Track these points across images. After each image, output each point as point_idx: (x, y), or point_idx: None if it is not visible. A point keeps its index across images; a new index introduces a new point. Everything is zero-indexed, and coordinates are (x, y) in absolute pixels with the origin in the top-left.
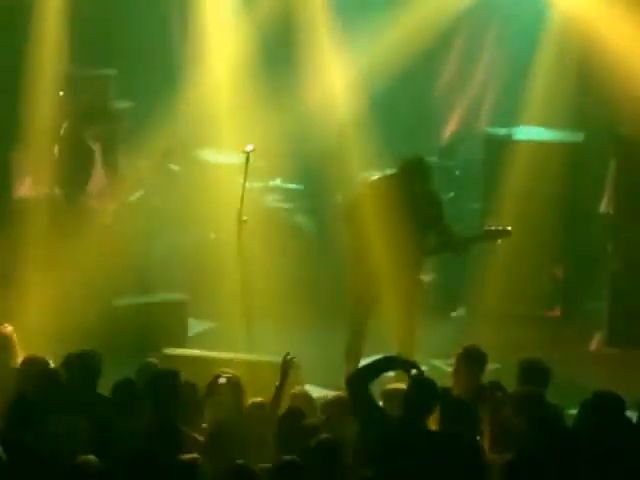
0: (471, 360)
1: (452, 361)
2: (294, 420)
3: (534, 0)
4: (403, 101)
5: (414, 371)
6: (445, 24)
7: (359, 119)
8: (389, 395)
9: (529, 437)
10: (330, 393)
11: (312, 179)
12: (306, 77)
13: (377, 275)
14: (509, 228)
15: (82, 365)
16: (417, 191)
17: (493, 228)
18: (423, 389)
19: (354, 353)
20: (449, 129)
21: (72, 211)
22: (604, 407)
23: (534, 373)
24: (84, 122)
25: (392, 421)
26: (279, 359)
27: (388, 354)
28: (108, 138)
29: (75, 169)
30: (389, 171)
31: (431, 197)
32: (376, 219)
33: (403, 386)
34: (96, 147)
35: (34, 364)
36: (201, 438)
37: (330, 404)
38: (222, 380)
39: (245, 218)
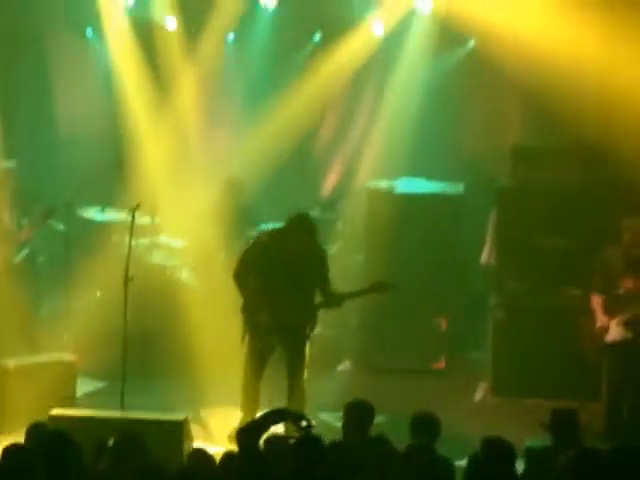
0: (359, 413)
1: (339, 414)
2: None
3: (413, 51)
4: (286, 157)
5: (304, 423)
6: (325, 84)
7: (244, 176)
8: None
9: None
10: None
11: (197, 235)
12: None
13: (270, 328)
14: (395, 283)
15: None
16: (302, 247)
17: (379, 282)
18: (310, 449)
19: (250, 403)
20: (330, 183)
21: None
22: (493, 455)
23: (425, 426)
24: None
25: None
26: (169, 416)
27: (278, 407)
28: None
29: None
30: (275, 227)
31: (317, 254)
32: (264, 275)
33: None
34: None
35: None
36: None
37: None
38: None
39: (131, 275)
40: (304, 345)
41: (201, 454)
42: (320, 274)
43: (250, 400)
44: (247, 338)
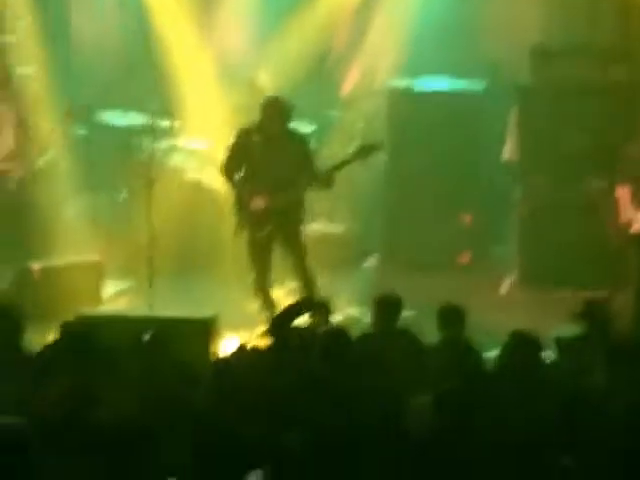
0: (387, 306)
1: (366, 310)
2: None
3: None
4: (306, 58)
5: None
6: None
7: (266, 78)
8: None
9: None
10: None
11: (220, 137)
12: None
13: (263, 215)
14: (378, 141)
15: (3, 318)
16: (280, 131)
17: (363, 146)
18: (337, 339)
19: (262, 291)
20: (349, 82)
21: None
22: (521, 346)
23: (452, 317)
24: None
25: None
26: (197, 315)
27: (302, 297)
28: (18, 99)
29: None
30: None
31: (297, 137)
32: (250, 164)
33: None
34: (4, 108)
35: None
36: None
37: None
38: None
39: (154, 177)
40: (299, 230)
41: (244, 350)
42: (304, 156)
43: (267, 296)
44: (244, 233)
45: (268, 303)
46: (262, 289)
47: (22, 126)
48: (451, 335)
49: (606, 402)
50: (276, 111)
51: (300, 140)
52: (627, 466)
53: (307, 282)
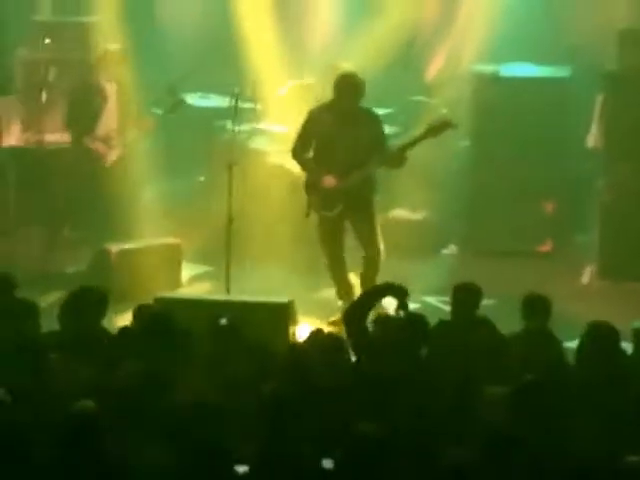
0: (467, 295)
1: (445, 298)
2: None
3: None
4: (391, 43)
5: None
6: None
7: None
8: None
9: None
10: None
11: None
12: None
13: (333, 195)
14: (449, 118)
15: (88, 302)
16: (353, 108)
17: (434, 124)
18: (415, 326)
19: (336, 274)
20: (434, 68)
21: (74, 153)
22: (600, 337)
23: (538, 307)
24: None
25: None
26: (274, 299)
27: (380, 284)
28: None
29: (83, 112)
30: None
31: (370, 114)
32: (321, 144)
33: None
34: (110, 88)
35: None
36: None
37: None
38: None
39: (235, 159)
40: (371, 210)
41: (321, 334)
42: (376, 134)
43: (342, 280)
44: (316, 217)
45: (343, 286)
46: (336, 271)
47: (127, 106)
48: (535, 325)
49: None
50: (349, 87)
51: (372, 118)
52: None
53: (374, 265)
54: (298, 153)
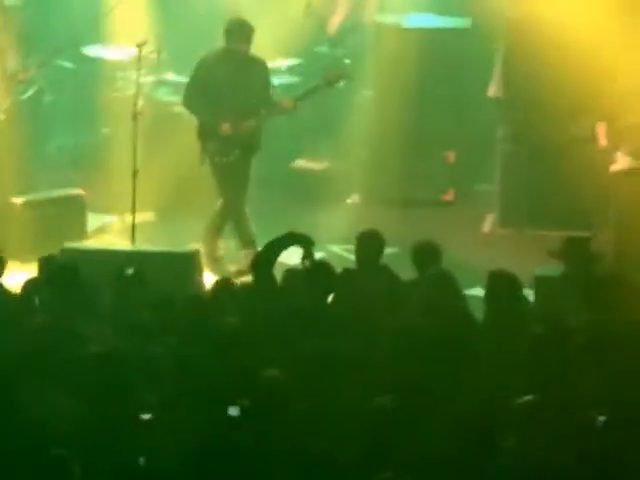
0: (370, 243)
1: (349, 246)
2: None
3: None
4: None
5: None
6: None
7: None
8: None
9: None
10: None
11: None
12: None
13: (228, 142)
14: (344, 70)
15: None
16: (245, 55)
17: (329, 75)
18: (322, 274)
19: (240, 227)
20: (336, 19)
21: None
22: (501, 285)
23: (427, 255)
24: None
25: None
26: (179, 249)
27: (285, 233)
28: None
29: None
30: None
31: (260, 61)
32: (214, 91)
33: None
34: None
35: None
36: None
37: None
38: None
39: (140, 110)
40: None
41: (226, 283)
42: (265, 81)
43: (243, 228)
44: (210, 164)
45: (245, 234)
46: (237, 218)
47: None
48: (428, 272)
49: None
50: (239, 33)
51: (262, 66)
52: None
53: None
54: (190, 101)
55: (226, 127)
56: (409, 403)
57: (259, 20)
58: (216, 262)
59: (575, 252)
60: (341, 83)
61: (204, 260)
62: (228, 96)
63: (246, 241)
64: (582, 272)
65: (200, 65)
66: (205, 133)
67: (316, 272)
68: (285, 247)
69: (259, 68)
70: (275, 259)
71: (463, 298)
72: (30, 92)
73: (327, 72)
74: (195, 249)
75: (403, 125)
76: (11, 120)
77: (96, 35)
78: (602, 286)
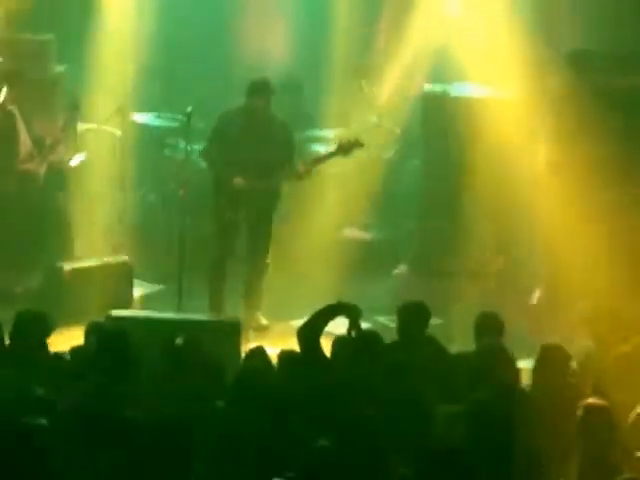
0: (414, 314)
1: (395, 317)
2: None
3: None
4: (343, 62)
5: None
6: None
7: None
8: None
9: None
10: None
11: None
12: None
13: (238, 196)
14: (357, 138)
15: (33, 324)
16: (266, 114)
17: (343, 142)
18: (372, 339)
19: (217, 274)
20: (386, 88)
21: (8, 178)
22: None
23: (490, 325)
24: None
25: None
26: (226, 318)
27: (331, 303)
28: (25, 101)
29: (4, 136)
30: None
31: (282, 124)
32: (231, 146)
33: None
34: (15, 110)
35: None
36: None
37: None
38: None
39: (187, 177)
40: (269, 223)
41: (260, 352)
42: (285, 142)
43: (217, 289)
44: (216, 214)
45: (216, 297)
46: (215, 275)
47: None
48: (487, 343)
49: None
50: (260, 91)
51: (284, 127)
52: None
53: (259, 272)
54: (207, 154)
55: (239, 181)
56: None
57: (309, 89)
58: (257, 329)
59: None
60: (354, 151)
61: (246, 326)
62: (243, 152)
63: (215, 302)
64: None
65: (221, 119)
66: (218, 187)
67: (365, 342)
68: (332, 317)
69: (279, 129)
70: (322, 328)
71: (517, 370)
72: (78, 158)
73: (341, 140)
74: (238, 317)
75: (450, 196)
76: (55, 185)
77: (145, 102)
78: None
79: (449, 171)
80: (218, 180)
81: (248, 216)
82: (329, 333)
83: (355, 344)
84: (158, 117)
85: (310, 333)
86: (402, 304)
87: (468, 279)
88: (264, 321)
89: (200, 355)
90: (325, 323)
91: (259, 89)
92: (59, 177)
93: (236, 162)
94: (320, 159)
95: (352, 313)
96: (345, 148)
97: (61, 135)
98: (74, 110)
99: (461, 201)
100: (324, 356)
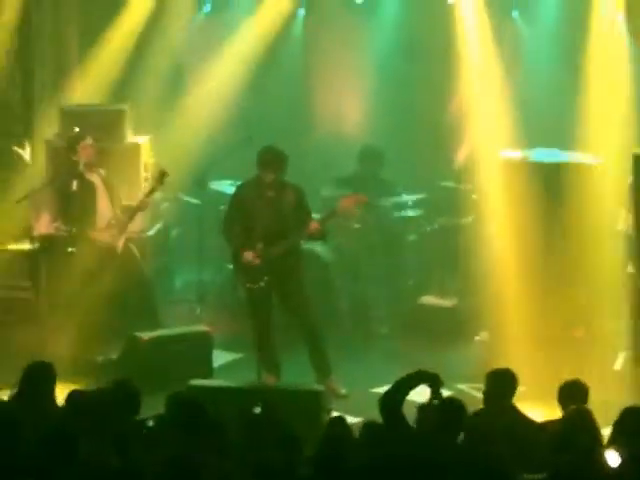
0: (501, 382)
1: (478, 385)
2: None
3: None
4: (419, 127)
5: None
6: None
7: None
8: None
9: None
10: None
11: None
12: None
13: (258, 268)
14: (363, 196)
15: (120, 394)
16: (276, 181)
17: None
18: (454, 406)
19: (264, 348)
20: (463, 153)
21: (85, 247)
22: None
23: (575, 393)
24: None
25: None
26: (307, 387)
27: (412, 371)
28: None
29: (82, 205)
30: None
31: (293, 188)
32: (246, 219)
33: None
34: (96, 180)
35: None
36: None
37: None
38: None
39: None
40: (299, 280)
41: (341, 422)
42: (298, 206)
43: (268, 357)
44: (243, 290)
45: (267, 363)
46: (263, 347)
47: (114, 195)
48: (572, 410)
49: None
50: (269, 161)
51: (294, 191)
52: None
53: (308, 334)
54: (226, 230)
55: (248, 255)
56: None
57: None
58: (336, 397)
59: None
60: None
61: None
62: (256, 223)
63: (269, 368)
64: None
65: (235, 193)
66: (237, 260)
67: (450, 410)
68: (414, 386)
69: (289, 194)
70: (404, 397)
71: (600, 437)
72: (157, 227)
73: (344, 199)
74: (323, 387)
75: (533, 261)
76: (130, 255)
77: (222, 171)
78: None
79: (526, 236)
80: (235, 254)
81: (271, 282)
82: (408, 401)
83: (440, 413)
84: (234, 185)
85: (392, 402)
86: (490, 371)
87: (551, 345)
88: (342, 390)
89: (278, 425)
90: (407, 392)
91: (267, 163)
92: (138, 246)
93: (250, 234)
94: (326, 217)
95: (433, 382)
96: (347, 208)
97: (147, 202)
98: (163, 178)
99: (542, 268)
100: (408, 425)
